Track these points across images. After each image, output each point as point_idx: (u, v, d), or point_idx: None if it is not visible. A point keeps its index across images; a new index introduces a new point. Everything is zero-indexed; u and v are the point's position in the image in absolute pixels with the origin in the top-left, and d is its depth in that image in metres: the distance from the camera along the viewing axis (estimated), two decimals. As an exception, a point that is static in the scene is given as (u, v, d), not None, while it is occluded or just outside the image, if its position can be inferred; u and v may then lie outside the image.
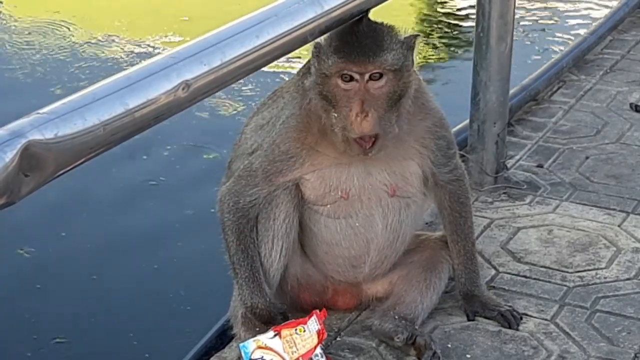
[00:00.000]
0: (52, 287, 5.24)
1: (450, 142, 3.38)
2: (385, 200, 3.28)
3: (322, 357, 3.10)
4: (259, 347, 3.06)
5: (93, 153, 2.36)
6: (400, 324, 3.31)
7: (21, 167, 2.15)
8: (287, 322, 3.16)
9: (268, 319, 3.24)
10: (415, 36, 3.11)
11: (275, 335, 3.07)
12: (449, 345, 3.38)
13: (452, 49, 8.84)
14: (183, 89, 2.55)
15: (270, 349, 3.06)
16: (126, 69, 2.55)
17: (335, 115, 3.04)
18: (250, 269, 3.24)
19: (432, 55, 8.70)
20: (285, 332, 3.08)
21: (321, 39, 3.09)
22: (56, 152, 2.24)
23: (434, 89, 7.60)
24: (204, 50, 2.65)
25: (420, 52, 8.45)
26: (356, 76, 2.99)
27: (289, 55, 3.07)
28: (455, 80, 7.83)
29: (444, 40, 9.00)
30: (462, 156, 4.56)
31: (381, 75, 3.00)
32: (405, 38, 3.10)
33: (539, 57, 8.13)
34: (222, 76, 2.70)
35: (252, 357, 3.06)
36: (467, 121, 4.53)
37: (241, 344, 3.11)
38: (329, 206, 3.26)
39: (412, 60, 3.10)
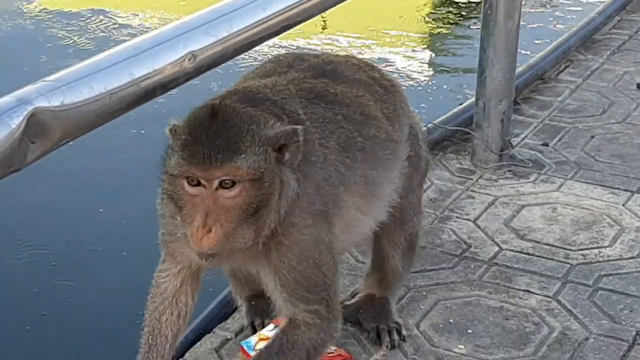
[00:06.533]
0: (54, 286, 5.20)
1: (314, 284, 2.67)
2: None
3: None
4: (262, 339, 3.09)
5: (99, 121, 2.38)
6: None
7: (27, 134, 2.17)
8: None
9: None
10: (292, 131, 2.48)
11: (275, 327, 3.08)
12: (451, 321, 3.39)
13: (461, 24, 8.81)
14: (189, 59, 2.56)
15: None
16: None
17: (180, 220, 2.49)
18: None
19: (441, 30, 8.67)
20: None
21: (179, 122, 2.50)
22: (62, 119, 2.25)
23: (442, 64, 7.58)
24: (211, 21, 2.67)
25: (428, 29, 8.43)
26: (203, 181, 2.42)
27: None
28: (463, 56, 7.80)
29: (452, 15, 8.98)
30: (467, 133, 4.60)
31: (233, 184, 2.42)
32: (276, 133, 2.47)
33: (547, 40, 8.10)
34: (229, 47, 2.71)
35: (255, 348, 3.10)
36: (473, 98, 4.53)
37: (243, 342, 3.16)
38: None
39: (291, 159, 2.50)
